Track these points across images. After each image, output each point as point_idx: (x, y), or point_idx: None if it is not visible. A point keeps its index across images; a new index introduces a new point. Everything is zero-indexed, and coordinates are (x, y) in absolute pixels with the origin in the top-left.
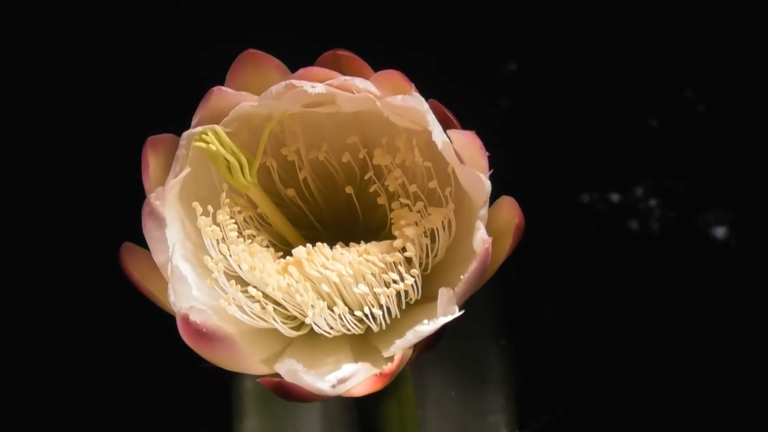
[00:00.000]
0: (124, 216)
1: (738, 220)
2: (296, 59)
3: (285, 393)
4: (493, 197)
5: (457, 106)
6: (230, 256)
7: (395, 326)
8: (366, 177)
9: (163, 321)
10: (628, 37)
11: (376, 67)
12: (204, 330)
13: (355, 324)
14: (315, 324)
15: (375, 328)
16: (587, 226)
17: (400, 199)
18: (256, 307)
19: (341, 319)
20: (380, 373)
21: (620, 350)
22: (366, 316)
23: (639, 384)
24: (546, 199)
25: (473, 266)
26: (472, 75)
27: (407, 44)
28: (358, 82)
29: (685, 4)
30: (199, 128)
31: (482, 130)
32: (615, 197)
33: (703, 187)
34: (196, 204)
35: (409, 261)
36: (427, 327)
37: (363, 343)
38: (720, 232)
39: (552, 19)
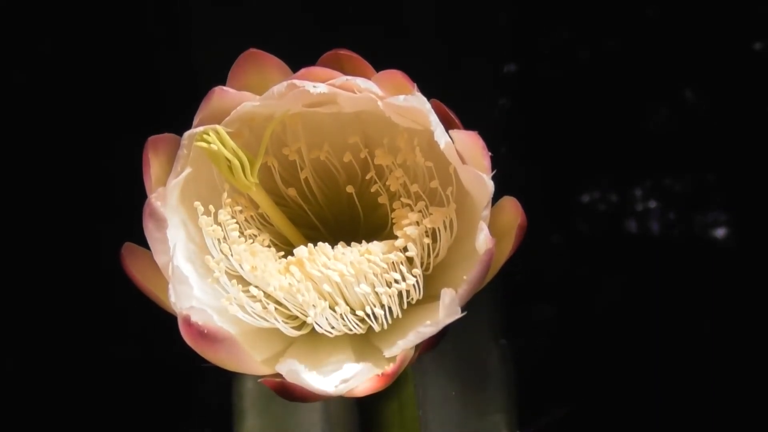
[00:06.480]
0: (126, 216)
1: (738, 221)
2: (297, 59)
3: (286, 393)
4: (493, 197)
5: (458, 107)
6: (231, 255)
7: (397, 326)
8: (367, 177)
9: (164, 321)
10: (628, 37)
11: (378, 66)
12: (205, 331)
13: (356, 324)
14: (316, 324)
15: (376, 327)
16: (587, 226)
17: (402, 199)
18: (258, 306)
19: (343, 319)
20: (382, 374)
21: (620, 350)
22: (368, 315)
23: (639, 383)
24: (546, 200)
25: (476, 267)
26: (474, 76)
27: (409, 43)
28: (360, 82)
29: (685, 4)
30: (201, 128)
31: (483, 130)
32: (615, 197)
33: (703, 187)
34: (197, 204)
35: (410, 261)
36: (429, 328)
37: (364, 343)
38: (720, 232)
39: (553, 20)
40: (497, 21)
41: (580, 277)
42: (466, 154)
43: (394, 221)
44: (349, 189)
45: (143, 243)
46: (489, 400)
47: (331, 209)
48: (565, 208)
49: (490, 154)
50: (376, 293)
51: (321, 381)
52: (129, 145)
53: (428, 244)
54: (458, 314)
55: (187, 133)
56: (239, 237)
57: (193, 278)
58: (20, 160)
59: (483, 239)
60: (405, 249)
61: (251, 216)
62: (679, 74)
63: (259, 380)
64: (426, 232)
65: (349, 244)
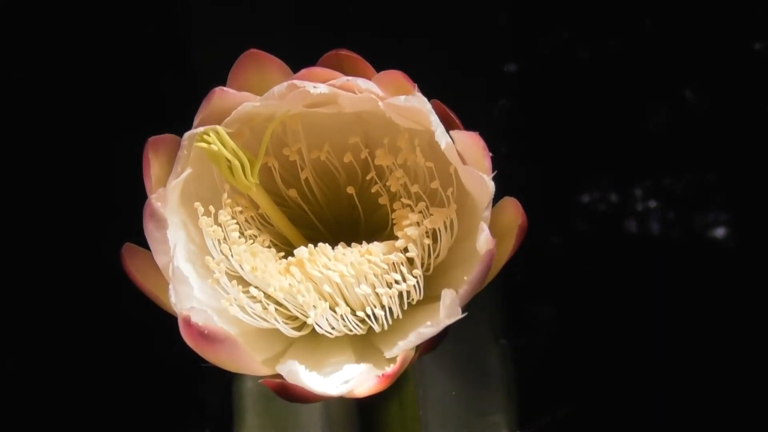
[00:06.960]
0: (126, 216)
1: (738, 221)
2: (297, 59)
3: (286, 393)
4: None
5: (458, 107)
6: (232, 256)
7: (397, 326)
8: (368, 177)
9: (164, 321)
10: (629, 37)
11: (378, 67)
12: (205, 331)
13: (356, 324)
14: (317, 324)
15: (377, 328)
16: (587, 226)
17: (402, 200)
18: (258, 307)
19: (343, 320)
20: (383, 375)
21: (620, 350)
22: (368, 316)
23: (639, 383)
24: (546, 200)
25: (477, 268)
26: (474, 76)
27: (409, 44)
28: (361, 83)
29: (685, 4)
30: (201, 128)
31: (483, 130)
32: (615, 197)
33: (703, 187)
34: (197, 204)
35: (411, 261)
36: (430, 329)
37: (365, 344)
38: (720, 232)
39: (553, 20)
40: (497, 21)
41: (580, 277)
42: (467, 154)
43: (394, 222)
44: (350, 189)
45: (143, 243)
46: (489, 400)
47: (331, 210)
48: (565, 208)
49: (490, 154)
50: (377, 294)
51: (321, 382)
52: (129, 145)
53: (429, 245)
54: (459, 315)
55: (187, 134)
56: (239, 237)
57: (194, 279)
58: (21, 160)
59: (484, 240)
60: (405, 250)
61: (251, 216)
62: (679, 74)
63: (259, 381)
64: (426, 232)
65: (349, 245)
